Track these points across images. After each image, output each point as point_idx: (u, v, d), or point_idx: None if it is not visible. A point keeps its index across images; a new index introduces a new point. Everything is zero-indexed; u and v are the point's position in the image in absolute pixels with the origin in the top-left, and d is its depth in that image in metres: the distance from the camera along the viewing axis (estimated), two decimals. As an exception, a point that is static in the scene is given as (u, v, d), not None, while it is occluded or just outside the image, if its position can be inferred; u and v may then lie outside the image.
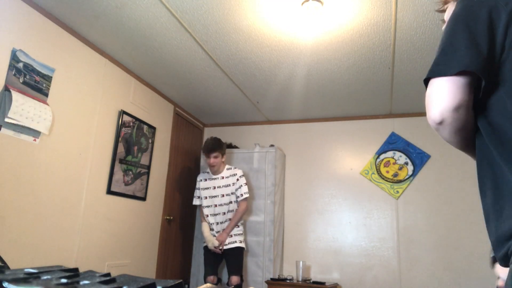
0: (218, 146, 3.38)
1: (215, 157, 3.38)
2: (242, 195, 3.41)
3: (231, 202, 3.41)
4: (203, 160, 4.16)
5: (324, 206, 4.00)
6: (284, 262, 3.95)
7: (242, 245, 3.38)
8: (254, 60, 2.94)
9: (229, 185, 3.44)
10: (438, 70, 0.83)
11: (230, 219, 3.39)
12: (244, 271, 3.67)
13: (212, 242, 3.29)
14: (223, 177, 3.46)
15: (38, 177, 2.34)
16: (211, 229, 3.41)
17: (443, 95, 0.81)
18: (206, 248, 3.40)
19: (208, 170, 3.55)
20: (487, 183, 0.86)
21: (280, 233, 3.95)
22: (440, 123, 0.83)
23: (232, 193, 3.43)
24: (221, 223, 3.39)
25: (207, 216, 3.43)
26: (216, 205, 3.43)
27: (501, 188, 0.81)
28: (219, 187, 3.45)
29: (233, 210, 3.41)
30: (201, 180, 3.53)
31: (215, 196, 3.44)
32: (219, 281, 3.41)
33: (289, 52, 2.80)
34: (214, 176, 3.49)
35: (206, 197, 3.47)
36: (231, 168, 3.52)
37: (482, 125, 0.85)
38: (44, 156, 2.39)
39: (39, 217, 2.34)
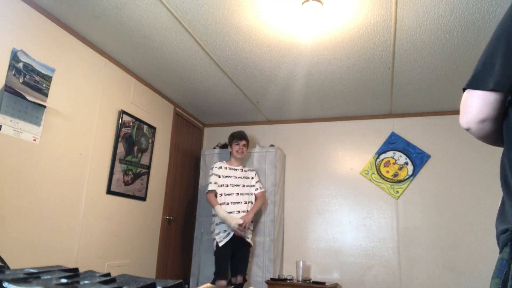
0: (248, 139, 3.61)
1: (244, 145, 3.55)
2: (261, 187, 3.59)
3: (250, 194, 3.51)
4: (203, 160, 4.16)
5: (324, 206, 4.00)
6: (284, 262, 3.95)
7: (251, 241, 3.45)
8: (254, 60, 2.94)
9: (249, 177, 3.57)
10: (474, 83, 0.91)
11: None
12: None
13: (237, 220, 3.21)
14: (242, 170, 3.58)
15: (38, 177, 2.34)
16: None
17: (472, 108, 0.91)
18: (220, 247, 3.23)
19: (225, 161, 3.63)
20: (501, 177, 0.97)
21: (280, 233, 3.95)
22: (467, 130, 0.94)
23: (251, 186, 3.55)
24: (243, 211, 3.38)
25: (228, 204, 3.37)
26: (238, 194, 3.46)
27: (507, 186, 0.91)
28: (240, 177, 3.53)
29: (252, 202, 3.49)
30: (220, 168, 3.52)
31: (237, 185, 3.49)
32: (229, 283, 3.36)
33: (289, 52, 2.80)
34: (234, 167, 3.56)
35: (227, 185, 3.46)
36: (245, 166, 3.72)
37: (504, 127, 0.94)
38: (44, 156, 2.38)
39: (39, 217, 2.34)
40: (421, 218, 3.66)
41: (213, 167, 3.53)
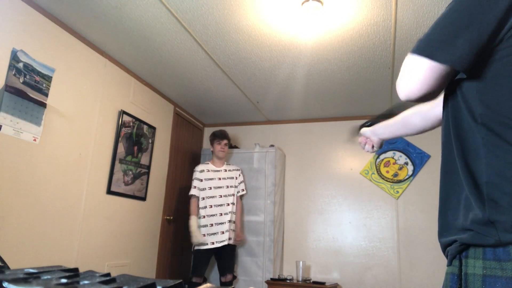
0: (229, 138, 3.62)
1: (225, 144, 3.56)
2: (243, 190, 3.62)
3: (233, 195, 3.51)
4: (203, 160, 4.16)
5: (324, 206, 4.00)
6: (284, 262, 3.95)
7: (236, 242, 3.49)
8: (254, 60, 2.94)
9: (233, 178, 3.57)
10: (428, 50, 0.76)
11: (234, 212, 3.49)
12: (244, 270, 3.68)
13: (198, 239, 3.27)
14: (225, 170, 3.58)
15: (38, 177, 2.34)
16: (211, 224, 3.37)
17: (419, 81, 0.79)
18: (198, 251, 3.34)
19: (208, 161, 3.63)
20: None
21: (280, 233, 3.95)
22: (405, 100, 0.88)
23: (235, 186, 3.55)
24: (225, 214, 3.41)
25: (211, 207, 3.40)
26: (221, 196, 3.46)
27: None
28: (224, 178, 3.53)
29: (234, 203, 3.50)
30: (202, 171, 3.53)
31: (220, 187, 3.48)
32: (204, 280, 3.42)
33: (289, 52, 2.80)
34: (217, 168, 3.55)
35: (210, 188, 3.46)
36: (229, 164, 3.71)
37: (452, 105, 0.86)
38: (44, 156, 2.38)
39: (39, 217, 2.34)
40: (421, 218, 3.66)
41: (195, 171, 3.55)
